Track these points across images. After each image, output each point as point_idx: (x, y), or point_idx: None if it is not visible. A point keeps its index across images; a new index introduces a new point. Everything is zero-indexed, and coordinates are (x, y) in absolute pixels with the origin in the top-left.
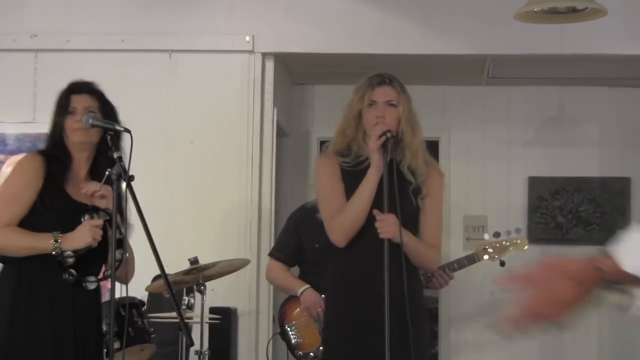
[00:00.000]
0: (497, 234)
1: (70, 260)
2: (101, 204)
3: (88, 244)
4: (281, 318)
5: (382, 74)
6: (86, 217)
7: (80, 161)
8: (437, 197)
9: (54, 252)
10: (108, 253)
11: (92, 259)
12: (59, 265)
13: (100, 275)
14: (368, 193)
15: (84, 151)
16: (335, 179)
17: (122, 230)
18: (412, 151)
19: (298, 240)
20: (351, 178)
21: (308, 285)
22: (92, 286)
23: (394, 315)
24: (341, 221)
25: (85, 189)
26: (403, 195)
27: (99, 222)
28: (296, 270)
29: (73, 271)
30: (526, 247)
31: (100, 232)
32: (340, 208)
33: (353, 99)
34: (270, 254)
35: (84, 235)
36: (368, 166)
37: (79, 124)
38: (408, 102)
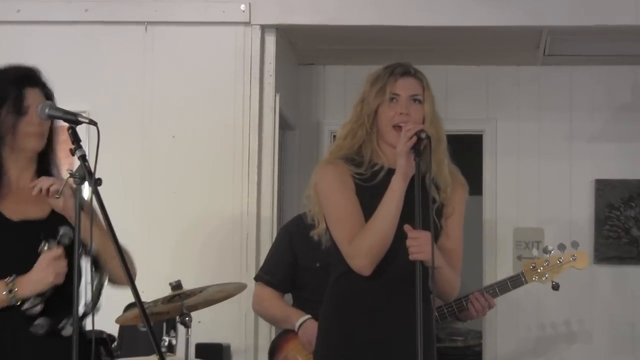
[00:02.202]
0: (547, 250)
1: (37, 309)
2: (58, 205)
3: (51, 284)
4: (273, 357)
5: (406, 64)
6: (43, 244)
7: (20, 170)
8: (460, 216)
9: (11, 304)
10: (82, 280)
11: (65, 296)
12: (24, 318)
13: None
14: (395, 205)
15: (27, 159)
16: (350, 193)
17: (91, 244)
18: (438, 160)
19: (293, 258)
20: (365, 194)
21: (309, 316)
22: (69, 331)
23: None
24: (368, 243)
25: (35, 188)
26: (427, 212)
27: (57, 252)
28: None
29: (41, 321)
30: (586, 264)
31: (64, 264)
32: (361, 227)
33: (368, 91)
34: (258, 278)
35: (43, 274)
36: (385, 178)
37: (38, 127)
38: (433, 100)
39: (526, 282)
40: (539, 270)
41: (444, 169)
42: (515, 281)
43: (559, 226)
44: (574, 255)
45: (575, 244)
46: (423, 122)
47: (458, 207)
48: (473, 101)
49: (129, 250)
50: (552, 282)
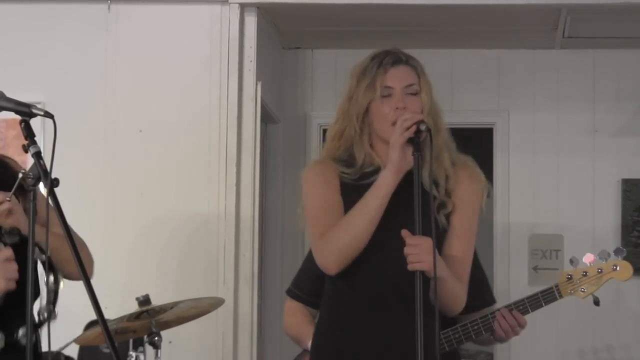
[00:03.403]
0: (574, 260)
1: None
2: (6, 222)
3: (2, 292)
4: None
5: (395, 51)
6: None
7: None
8: (469, 213)
9: None
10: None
11: (18, 303)
12: None
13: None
14: (377, 203)
15: None
16: (332, 190)
17: (45, 249)
18: (435, 153)
19: (319, 270)
20: (354, 193)
21: None
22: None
23: None
24: (337, 239)
25: None
26: (426, 212)
27: (6, 253)
28: None
29: None
30: (630, 275)
31: (15, 268)
32: (334, 225)
33: (356, 86)
34: (287, 291)
35: None
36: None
37: None
38: (430, 88)
39: (561, 297)
40: (575, 283)
41: (443, 162)
42: (548, 295)
43: (580, 233)
44: (615, 265)
45: (620, 252)
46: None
47: (462, 202)
48: (482, 90)
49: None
50: (593, 295)
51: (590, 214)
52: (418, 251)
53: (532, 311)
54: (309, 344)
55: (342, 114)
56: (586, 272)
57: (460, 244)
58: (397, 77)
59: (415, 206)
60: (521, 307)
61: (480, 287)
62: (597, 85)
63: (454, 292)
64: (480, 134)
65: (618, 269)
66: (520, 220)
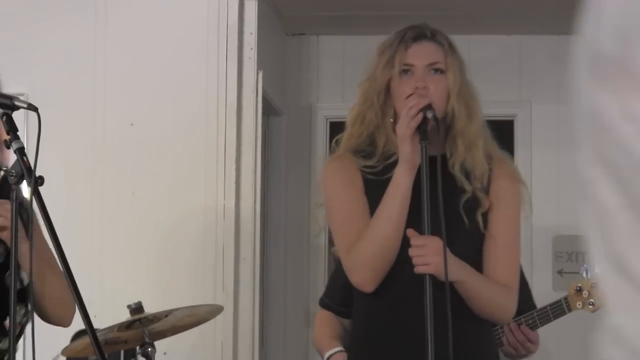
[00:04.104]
0: (586, 269)
1: None
2: None
3: None
4: None
5: (420, 25)
6: None
7: None
8: (509, 211)
9: None
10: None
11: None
12: None
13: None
14: (399, 204)
15: None
16: (354, 190)
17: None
18: (468, 142)
19: (347, 278)
20: (378, 190)
21: (339, 348)
22: (3, 346)
23: None
24: (364, 254)
25: None
26: (452, 209)
27: None
28: None
29: None
30: None
31: None
32: (360, 232)
33: (376, 64)
34: (320, 301)
35: None
36: None
37: None
38: (461, 68)
39: (570, 311)
40: (584, 295)
41: (477, 153)
42: (557, 309)
43: None
44: None
45: None
46: (448, 98)
47: (502, 199)
48: (502, 79)
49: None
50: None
51: None
52: (424, 252)
53: (541, 326)
54: (325, 355)
55: (362, 94)
56: (595, 284)
57: (501, 246)
58: (418, 54)
59: (423, 200)
60: (530, 322)
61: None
62: None
63: (491, 298)
64: (501, 127)
65: None
66: (543, 220)
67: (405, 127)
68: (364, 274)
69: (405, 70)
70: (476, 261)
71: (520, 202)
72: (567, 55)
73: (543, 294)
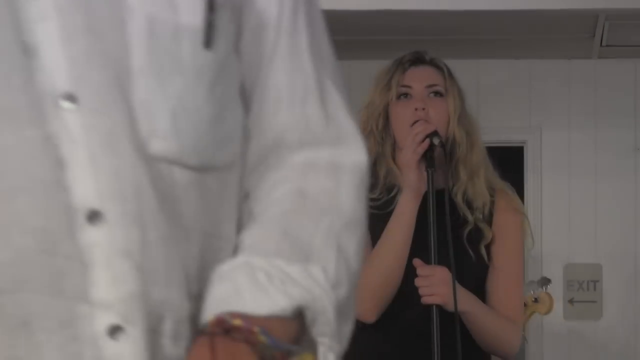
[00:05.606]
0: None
1: None
2: None
3: None
4: None
5: (418, 50)
6: None
7: None
8: (513, 244)
9: None
10: None
11: None
12: None
13: None
14: (403, 232)
15: None
16: None
17: None
18: (470, 170)
19: None
20: (379, 224)
21: None
22: None
23: None
24: (368, 282)
25: None
26: (457, 240)
27: None
28: None
29: None
30: (549, 309)
31: None
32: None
33: (373, 90)
34: None
35: None
36: None
37: None
38: (460, 94)
39: None
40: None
41: (479, 182)
42: None
43: (621, 261)
44: (536, 297)
45: (544, 282)
46: (447, 123)
47: (504, 230)
48: (512, 105)
49: None
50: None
51: (632, 240)
52: (430, 283)
53: None
54: None
55: (362, 123)
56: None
57: (504, 278)
58: (417, 76)
59: (430, 230)
60: None
61: None
62: (638, 99)
63: (493, 330)
64: (510, 154)
65: (538, 301)
66: (554, 249)
67: (412, 153)
68: (367, 304)
69: (405, 94)
70: (480, 293)
71: (521, 234)
72: (578, 79)
73: (554, 324)
